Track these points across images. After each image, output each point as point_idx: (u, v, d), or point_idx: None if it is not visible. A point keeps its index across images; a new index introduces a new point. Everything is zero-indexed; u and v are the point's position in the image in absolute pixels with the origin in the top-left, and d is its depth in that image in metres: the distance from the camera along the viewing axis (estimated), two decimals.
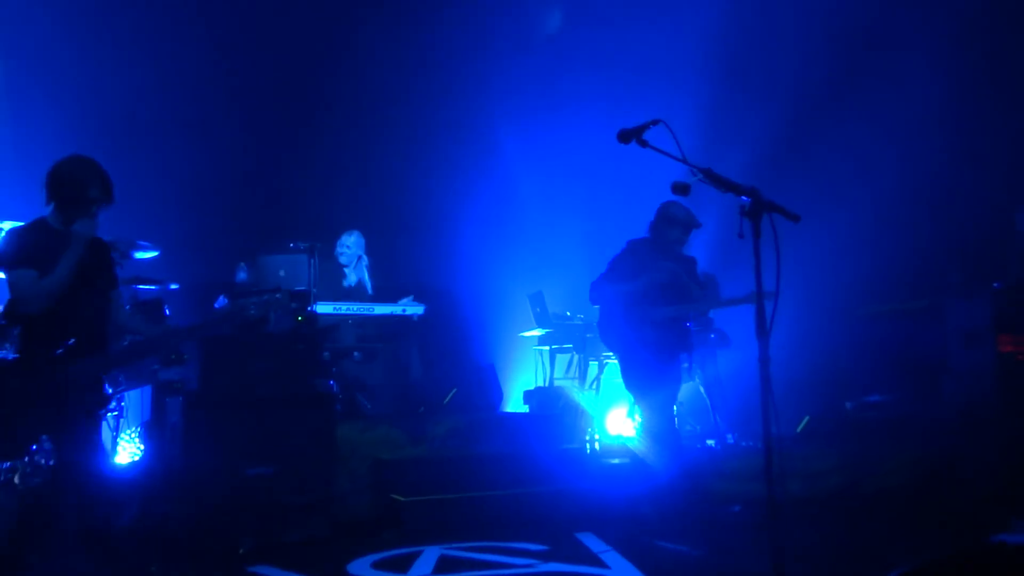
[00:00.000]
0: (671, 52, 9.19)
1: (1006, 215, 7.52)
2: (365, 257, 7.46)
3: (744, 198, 3.46)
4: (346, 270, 7.33)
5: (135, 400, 6.08)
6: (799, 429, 7.53)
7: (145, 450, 5.73)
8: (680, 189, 3.72)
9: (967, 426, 6.11)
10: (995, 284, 6.16)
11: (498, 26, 9.51)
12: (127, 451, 5.80)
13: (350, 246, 7.34)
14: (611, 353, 7.16)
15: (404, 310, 6.72)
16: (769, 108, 8.83)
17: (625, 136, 3.73)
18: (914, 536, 5.21)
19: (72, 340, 3.59)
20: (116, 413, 5.70)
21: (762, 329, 3.39)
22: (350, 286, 7.30)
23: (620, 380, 7.45)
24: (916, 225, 7.71)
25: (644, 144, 3.70)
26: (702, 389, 7.22)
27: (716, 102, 8.76)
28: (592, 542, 4.97)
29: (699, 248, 7.65)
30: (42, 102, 7.57)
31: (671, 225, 5.68)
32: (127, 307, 5.43)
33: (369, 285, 7.40)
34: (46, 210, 3.82)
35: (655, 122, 3.70)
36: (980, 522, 5.39)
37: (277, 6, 8.65)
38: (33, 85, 7.65)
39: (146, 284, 6.27)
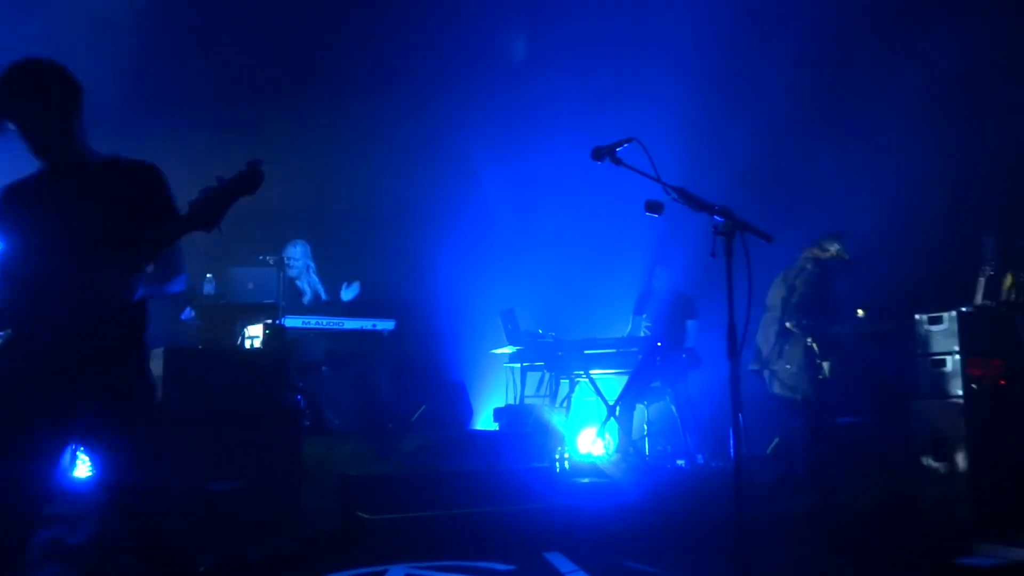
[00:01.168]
0: (648, 69, 9.26)
1: (975, 239, 7.63)
2: (312, 264, 7.38)
3: (717, 217, 3.47)
4: (298, 283, 7.23)
5: None
6: (769, 450, 7.54)
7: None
8: (654, 208, 3.71)
9: (935, 448, 6.15)
10: (962, 308, 6.22)
11: (475, 42, 9.53)
12: (86, 464, 5.67)
13: (297, 257, 7.25)
14: (581, 372, 7.16)
15: (374, 325, 6.66)
16: (746, 128, 8.90)
17: (599, 154, 3.71)
18: (881, 559, 5.21)
19: None
20: None
21: (733, 349, 3.38)
22: (308, 301, 7.21)
23: (590, 398, 7.49)
24: (888, 247, 7.78)
25: (618, 162, 3.69)
26: (673, 408, 7.21)
27: (691, 121, 8.82)
28: (560, 562, 4.93)
29: (677, 268, 7.72)
30: None
31: None
32: None
33: (322, 291, 7.33)
34: None
35: (629, 140, 3.69)
36: (946, 546, 5.44)
37: (253, 21, 8.60)
38: None
39: None
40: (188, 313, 6.15)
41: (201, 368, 4.99)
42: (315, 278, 7.33)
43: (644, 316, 7.60)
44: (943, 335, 6.06)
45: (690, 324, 7.43)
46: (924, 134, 8.19)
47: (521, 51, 9.98)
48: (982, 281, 6.27)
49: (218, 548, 4.70)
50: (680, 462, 7.08)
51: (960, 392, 5.86)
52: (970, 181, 8.13)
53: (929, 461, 5.88)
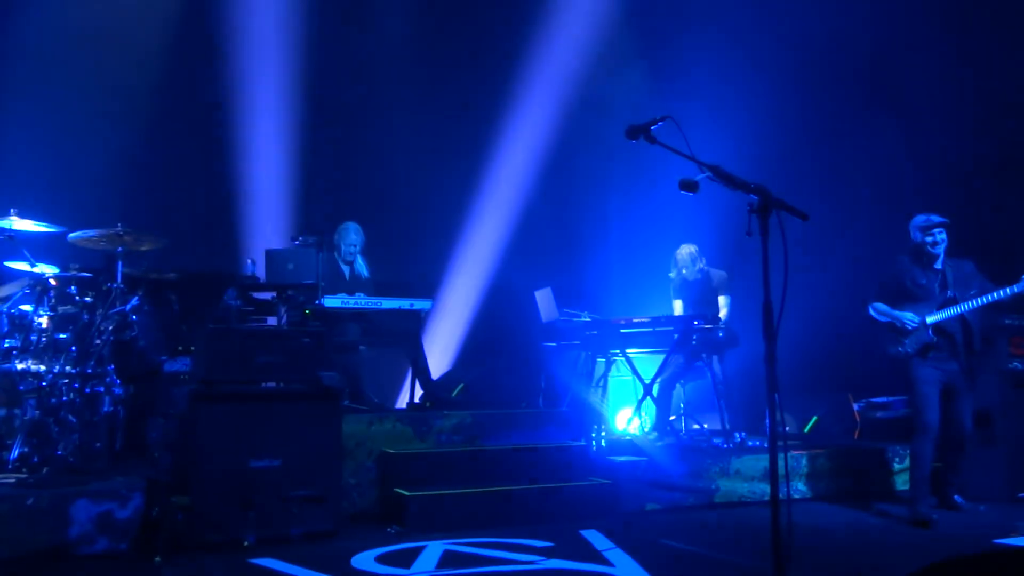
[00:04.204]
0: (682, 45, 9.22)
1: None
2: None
3: (753, 196, 3.44)
4: (343, 266, 7.30)
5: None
6: (807, 429, 7.51)
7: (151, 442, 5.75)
8: (688, 186, 3.69)
9: (973, 427, 6.10)
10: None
11: (506, 17, 9.52)
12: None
13: (357, 243, 7.33)
14: (617, 351, 7.16)
15: (412, 305, 6.71)
16: (782, 108, 8.82)
17: (633, 132, 3.70)
18: (918, 537, 5.18)
19: None
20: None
21: (769, 328, 3.37)
22: (351, 279, 7.28)
23: (627, 377, 7.48)
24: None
25: (652, 140, 3.67)
26: (711, 386, 7.19)
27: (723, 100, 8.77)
28: (596, 539, 4.96)
29: (709, 246, 7.67)
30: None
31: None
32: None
33: (366, 270, 7.39)
34: None
35: (664, 118, 3.67)
36: (987, 524, 5.39)
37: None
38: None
39: (157, 273, 6.28)
40: (231, 294, 6.25)
41: (243, 347, 5.07)
42: (362, 259, 7.41)
43: (683, 298, 7.56)
44: (986, 314, 5.98)
45: (723, 300, 7.37)
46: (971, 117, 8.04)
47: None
48: None
49: (259, 524, 4.81)
50: (717, 440, 7.07)
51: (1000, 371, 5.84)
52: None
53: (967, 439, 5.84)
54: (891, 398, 7.57)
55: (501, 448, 6.09)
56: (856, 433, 7.58)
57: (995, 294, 5.60)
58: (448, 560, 4.53)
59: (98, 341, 5.45)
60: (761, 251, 3.42)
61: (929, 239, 5.73)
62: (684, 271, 7.50)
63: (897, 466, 6.84)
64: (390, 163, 9.01)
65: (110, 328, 5.53)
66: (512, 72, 9.58)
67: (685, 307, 7.52)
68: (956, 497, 5.95)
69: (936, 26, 8.50)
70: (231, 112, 8.24)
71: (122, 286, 5.68)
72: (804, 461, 6.53)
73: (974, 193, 7.99)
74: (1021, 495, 6.20)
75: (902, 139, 8.55)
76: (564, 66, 9.80)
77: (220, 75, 8.26)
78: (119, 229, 5.66)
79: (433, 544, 4.83)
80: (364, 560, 4.50)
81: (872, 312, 5.92)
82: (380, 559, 4.53)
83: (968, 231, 6.10)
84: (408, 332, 6.85)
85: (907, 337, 5.73)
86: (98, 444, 5.30)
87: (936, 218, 5.74)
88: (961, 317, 5.71)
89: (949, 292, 5.73)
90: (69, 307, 5.55)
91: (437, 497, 5.39)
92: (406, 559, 4.52)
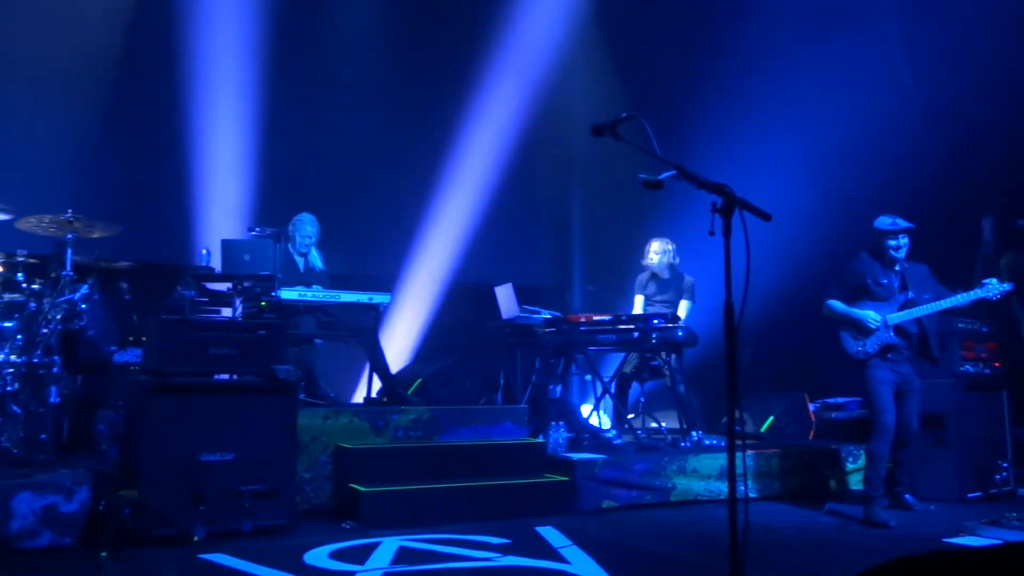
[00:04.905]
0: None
1: (975, 223, 7.64)
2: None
3: (716, 196, 3.44)
4: (297, 257, 7.19)
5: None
6: (763, 429, 7.58)
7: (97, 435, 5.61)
8: (652, 185, 3.68)
9: (925, 429, 6.21)
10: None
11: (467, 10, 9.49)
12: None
13: (313, 235, 7.22)
14: (577, 348, 7.14)
15: (371, 299, 6.63)
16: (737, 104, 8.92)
17: (599, 130, 3.69)
18: (871, 537, 5.24)
19: None
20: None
21: (730, 327, 3.36)
22: (305, 271, 7.18)
23: (587, 375, 7.47)
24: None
25: (618, 138, 3.66)
26: (670, 386, 7.21)
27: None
28: (553, 536, 4.95)
29: (683, 248, 7.69)
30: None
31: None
32: None
33: (321, 262, 7.28)
34: None
35: (630, 117, 3.66)
36: (937, 524, 5.47)
37: None
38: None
39: (108, 261, 6.13)
40: (185, 284, 6.12)
41: (195, 338, 4.97)
42: (316, 251, 7.30)
43: (646, 294, 7.56)
44: (940, 316, 6.09)
45: (684, 304, 7.39)
46: (926, 118, 8.16)
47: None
48: (980, 263, 6.27)
49: (210, 519, 4.71)
50: (675, 438, 7.10)
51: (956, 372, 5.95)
52: (968, 163, 8.10)
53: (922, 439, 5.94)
54: (846, 399, 7.66)
55: (458, 444, 6.06)
56: (811, 433, 7.66)
57: (958, 298, 5.70)
58: (403, 556, 4.47)
59: (45, 330, 5.31)
60: (724, 251, 3.42)
61: (892, 242, 5.79)
62: (654, 264, 7.46)
63: (850, 466, 6.92)
64: (350, 156, 8.91)
65: (58, 317, 5.38)
66: (475, 66, 9.54)
67: (647, 305, 7.51)
68: (907, 497, 6.03)
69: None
70: (188, 99, 8.08)
71: (71, 274, 5.54)
72: (760, 460, 6.58)
73: (923, 197, 8.12)
74: (971, 496, 6.31)
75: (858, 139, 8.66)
76: (528, 63, 9.79)
77: (177, 61, 8.10)
78: (69, 215, 5.52)
79: (388, 540, 4.78)
80: (317, 556, 4.43)
81: (831, 308, 5.94)
82: (334, 555, 4.46)
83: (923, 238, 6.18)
84: (366, 326, 6.77)
85: (868, 336, 5.77)
86: (43, 436, 5.16)
87: (902, 223, 5.78)
88: (918, 319, 5.78)
89: (910, 293, 5.80)
90: (15, 295, 5.39)
91: (393, 493, 5.34)
92: (360, 555, 4.46)
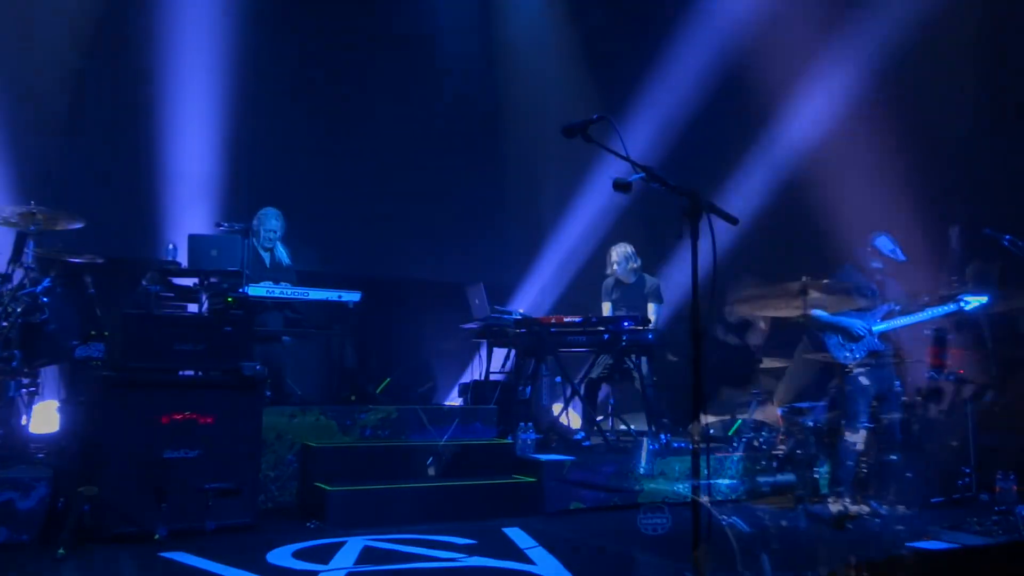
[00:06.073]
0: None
1: (942, 232, 7.73)
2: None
3: (684, 199, 3.45)
4: (263, 252, 7.11)
5: (52, 376, 5.86)
6: (731, 432, 7.61)
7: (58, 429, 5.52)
8: (622, 186, 3.69)
9: (892, 433, 6.26)
10: (925, 298, 6.33)
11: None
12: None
13: (277, 229, 7.13)
14: (547, 350, 7.13)
15: (340, 296, 6.58)
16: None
17: (570, 131, 3.69)
18: (836, 539, 5.27)
19: None
20: (32, 389, 5.47)
21: (696, 330, 3.37)
22: (271, 266, 7.10)
23: (557, 376, 7.47)
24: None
25: (589, 140, 3.66)
26: (639, 388, 7.23)
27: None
28: (519, 537, 4.93)
29: (642, 250, 7.72)
30: None
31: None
32: None
33: (287, 258, 7.20)
34: None
35: (600, 118, 3.66)
36: (901, 528, 5.52)
37: None
38: None
39: (71, 254, 6.02)
40: (150, 279, 6.03)
41: (160, 334, 4.90)
42: (282, 247, 7.22)
43: (613, 300, 7.59)
44: None
45: (651, 307, 7.43)
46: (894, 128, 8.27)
47: None
48: (946, 271, 6.39)
49: (172, 517, 4.65)
50: (643, 440, 7.10)
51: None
52: (939, 175, 8.21)
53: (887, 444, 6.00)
54: (814, 403, 7.72)
55: (425, 444, 6.03)
56: (780, 437, 7.70)
57: (938, 309, 5.89)
58: (367, 556, 4.44)
59: (5, 323, 5.21)
60: (691, 254, 3.43)
61: (879, 265, 6.09)
62: (617, 270, 7.52)
63: (818, 469, 6.96)
64: (319, 152, 8.84)
65: (19, 310, 5.29)
66: (446, 64, 9.54)
67: (614, 311, 7.54)
68: (873, 502, 6.09)
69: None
70: (155, 92, 7.97)
71: (33, 266, 5.45)
72: (727, 463, 6.61)
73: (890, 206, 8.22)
74: (934, 501, 6.38)
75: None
76: (497, 61, 9.82)
77: (144, 54, 7.99)
78: (31, 207, 5.42)
79: (353, 540, 4.74)
80: (281, 555, 4.39)
81: (816, 317, 6.01)
82: (297, 554, 4.42)
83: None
84: (336, 323, 6.72)
85: (855, 343, 5.94)
86: (1, 431, 5.06)
87: (901, 255, 6.09)
88: (895, 329, 5.98)
89: (892, 305, 5.99)
90: None
91: (359, 492, 5.30)
92: (324, 555, 4.42)
